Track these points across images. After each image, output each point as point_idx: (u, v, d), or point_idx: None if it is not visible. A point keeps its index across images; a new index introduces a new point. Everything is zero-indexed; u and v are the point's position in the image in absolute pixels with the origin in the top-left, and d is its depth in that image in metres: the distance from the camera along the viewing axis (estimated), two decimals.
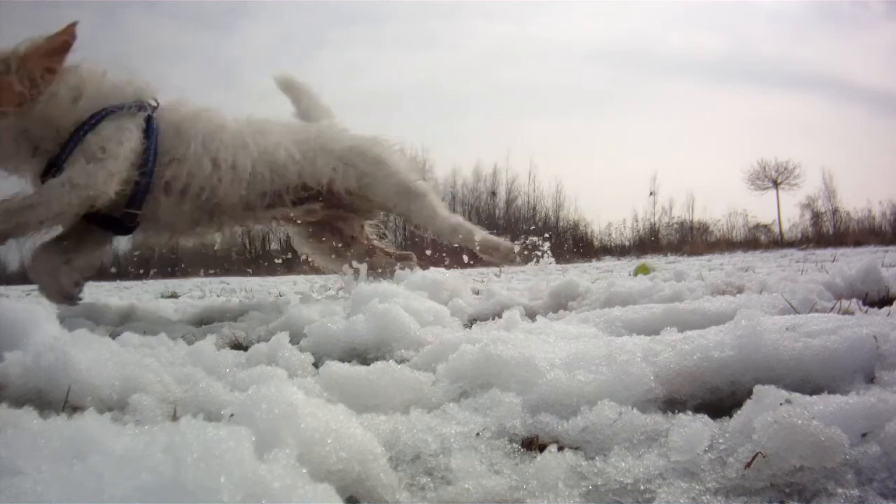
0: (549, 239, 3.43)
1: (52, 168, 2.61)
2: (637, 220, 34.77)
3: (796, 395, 0.88)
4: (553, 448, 0.84)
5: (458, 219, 3.33)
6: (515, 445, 0.91)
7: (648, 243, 28.73)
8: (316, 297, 3.04)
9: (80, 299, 2.87)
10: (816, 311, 1.75)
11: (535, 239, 3.34)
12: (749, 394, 0.89)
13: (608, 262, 14.07)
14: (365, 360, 1.55)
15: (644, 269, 5.11)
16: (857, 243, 16.41)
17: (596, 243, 31.42)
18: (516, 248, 3.28)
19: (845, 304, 1.83)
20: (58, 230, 2.82)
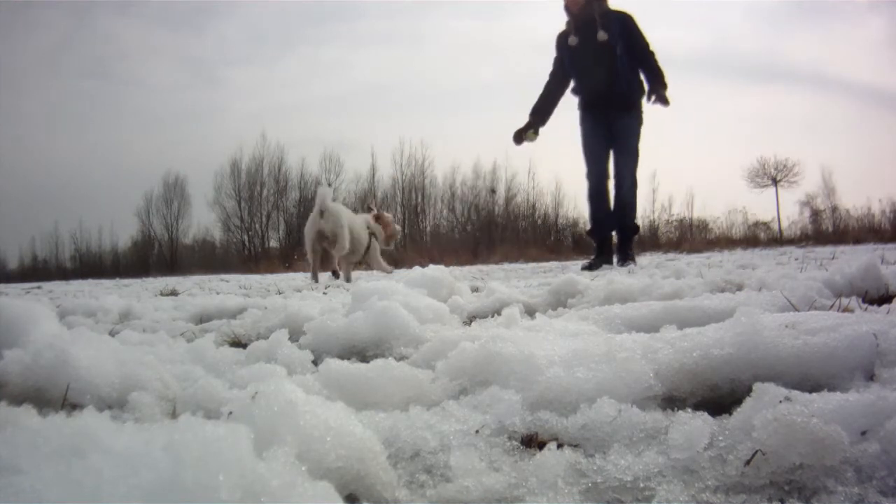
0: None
1: None
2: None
3: (796, 393, 0.88)
4: (552, 445, 0.84)
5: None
6: (515, 443, 0.91)
7: (648, 240, 28.72)
8: (315, 294, 3.04)
9: None
10: (816, 308, 1.75)
11: None
12: (749, 391, 0.88)
13: None
14: (364, 358, 1.54)
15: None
16: (857, 241, 16.40)
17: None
18: None
19: (845, 301, 1.83)
20: None
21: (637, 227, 7.32)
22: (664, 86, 6.77)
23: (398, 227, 7.72)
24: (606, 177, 7.04)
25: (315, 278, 6.72)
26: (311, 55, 56.71)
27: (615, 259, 7.06)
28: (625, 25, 6.87)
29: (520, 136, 7.26)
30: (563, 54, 7.14)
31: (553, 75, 7.30)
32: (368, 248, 7.12)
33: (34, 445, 0.61)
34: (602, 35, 6.81)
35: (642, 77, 6.93)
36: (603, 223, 7.08)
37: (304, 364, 1.43)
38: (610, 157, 7.03)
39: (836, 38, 51.95)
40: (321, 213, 6.54)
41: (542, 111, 7.28)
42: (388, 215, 7.62)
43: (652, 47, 6.93)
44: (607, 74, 6.81)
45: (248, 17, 56.74)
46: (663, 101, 6.76)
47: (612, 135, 6.99)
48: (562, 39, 7.15)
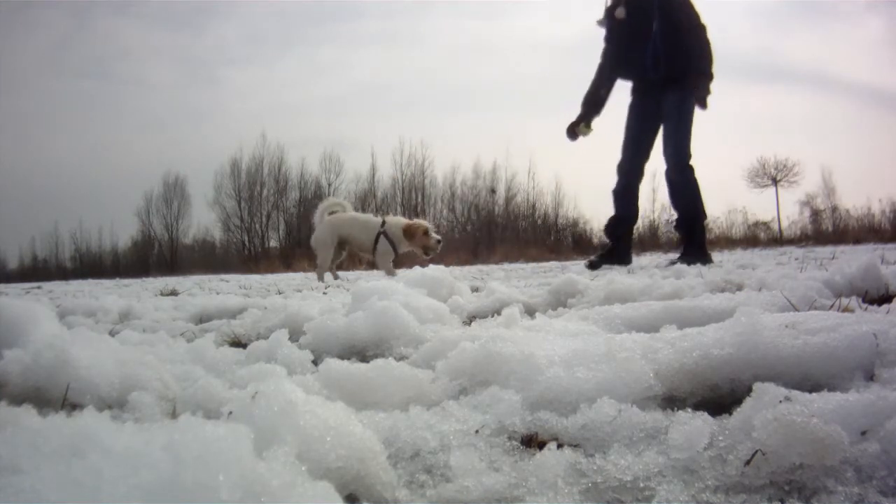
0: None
1: None
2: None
3: (796, 393, 0.88)
4: (552, 445, 0.84)
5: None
6: (515, 443, 0.91)
7: (647, 241, 28.73)
8: (315, 294, 3.05)
9: None
10: (816, 308, 1.75)
11: None
12: (749, 391, 0.88)
13: None
14: (364, 358, 1.54)
15: None
16: (857, 241, 16.42)
17: (595, 240, 31.41)
18: None
19: (845, 301, 1.83)
20: None
21: (693, 215, 6.20)
22: (709, 77, 6.03)
23: (434, 238, 7.04)
24: (639, 174, 6.39)
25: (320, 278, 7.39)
26: (311, 55, 56.84)
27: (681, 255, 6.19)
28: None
29: (573, 131, 6.51)
30: (606, 31, 6.42)
31: (603, 55, 6.46)
32: (375, 247, 7.25)
33: (34, 445, 0.61)
34: (620, 12, 6.10)
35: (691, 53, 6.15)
36: (619, 222, 6.50)
37: (304, 364, 1.43)
38: (649, 154, 6.37)
39: (836, 38, 52.03)
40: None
41: (593, 100, 6.45)
42: (418, 227, 7.08)
43: (703, 21, 6.09)
44: (643, 52, 6.08)
45: (248, 17, 56.91)
46: (702, 103, 6.10)
47: (661, 117, 6.22)
48: (605, 15, 6.39)
